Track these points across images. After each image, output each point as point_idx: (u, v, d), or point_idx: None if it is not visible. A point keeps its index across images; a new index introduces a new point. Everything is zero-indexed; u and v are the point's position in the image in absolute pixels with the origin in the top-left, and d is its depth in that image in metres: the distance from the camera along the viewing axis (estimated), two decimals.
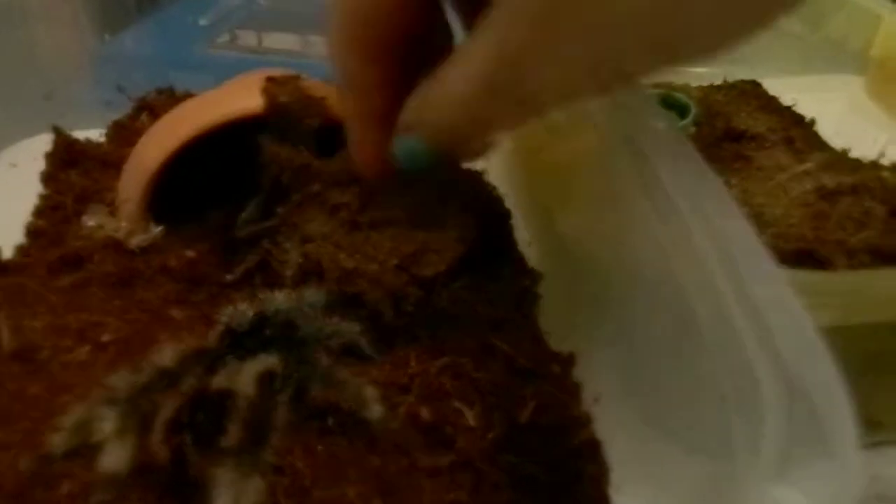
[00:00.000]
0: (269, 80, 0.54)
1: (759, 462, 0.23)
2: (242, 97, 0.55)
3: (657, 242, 0.36)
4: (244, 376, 0.38)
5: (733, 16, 0.27)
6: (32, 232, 0.57)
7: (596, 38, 0.26)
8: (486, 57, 0.28)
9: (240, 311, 0.44)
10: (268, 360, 0.40)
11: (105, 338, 0.47)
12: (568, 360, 0.46)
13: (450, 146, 0.35)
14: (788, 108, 0.74)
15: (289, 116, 0.53)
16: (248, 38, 0.94)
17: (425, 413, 0.43)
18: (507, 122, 0.32)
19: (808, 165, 0.65)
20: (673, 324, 0.34)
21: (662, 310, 0.36)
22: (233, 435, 0.35)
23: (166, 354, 0.39)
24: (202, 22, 0.90)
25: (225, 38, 0.91)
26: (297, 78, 0.54)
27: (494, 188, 0.59)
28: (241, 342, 0.41)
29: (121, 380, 0.38)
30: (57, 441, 0.38)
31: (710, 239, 0.31)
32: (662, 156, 0.39)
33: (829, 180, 0.62)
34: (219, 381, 0.38)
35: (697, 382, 0.32)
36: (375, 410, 0.41)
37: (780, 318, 0.27)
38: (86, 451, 0.38)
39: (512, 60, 0.28)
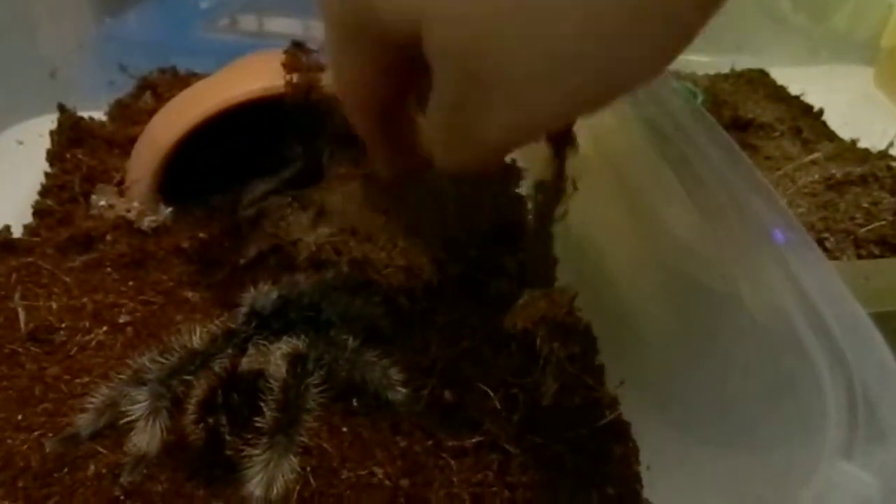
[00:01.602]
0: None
1: (822, 443, 0.23)
2: (253, 79, 0.55)
3: (690, 223, 0.36)
4: (274, 358, 0.38)
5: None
6: (40, 211, 0.57)
7: (513, 94, 0.29)
8: (438, 111, 0.32)
9: (262, 293, 0.43)
10: (295, 343, 0.40)
11: (122, 319, 0.47)
12: (590, 342, 0.46)
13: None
14: (796, 97, 0.74)
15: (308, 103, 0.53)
16: (248, 21, 0.92)
17: (448, 395, 0.43)
18: (483, 157, 0.35)
19: (816, 155, 0.66)
20: (711, 309, 0.34)
21: (696, 294, 0.36)
22: (268, 416, 0.34)
23: (195, 335, 0.38)
24: (203, 5, 0.89)
25: (225, 21, 0.90)
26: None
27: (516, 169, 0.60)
28: (267, 324, 0.41)
29: (149, 360, 0.37)
30: (83, 421, 0.38)
31: (753, 226, 0.31)
32: (691, 137, 0.39)
33: (837, 170, 0.63)
34: (248, 362, 0.38)
35: (737, 366, 0.32)
36: (400, 392, 0.41)
37: (831, 304, 0.27)
38: (112, 431, 0.38)
39: (450, 118, 0.32)
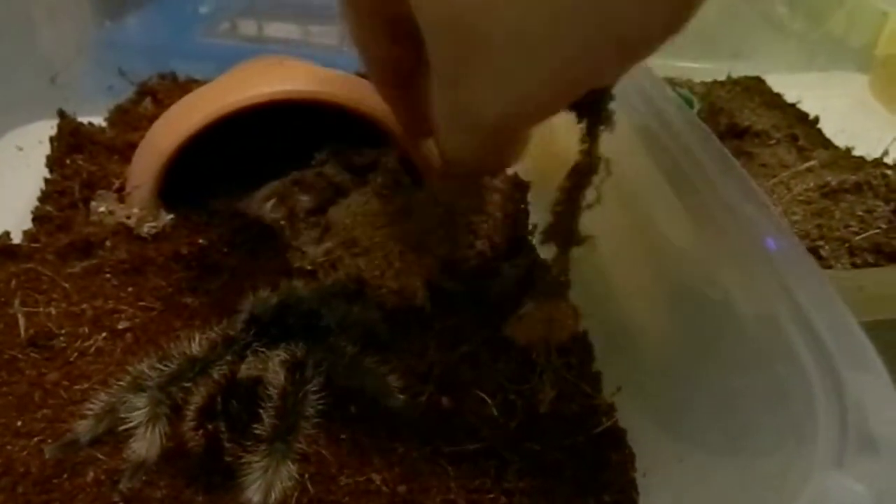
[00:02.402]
0: None
1: (813, 453, 0.23)
2: (253, 85, 0.55)
3: (683, 232, 0.37)
4: (273, 365, 0.38)
5: None
6: (40, 217, 0.57)
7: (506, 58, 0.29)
8: (437, 90, 0.33)
9: (261, 299, 0.44)
10: (293, 350, 0.40)
11: (121, 325, 0.47)
12: (587, 350, 0.46)
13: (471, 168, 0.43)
14: (792, 105, 0.75)
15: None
16: (248, 26, 0.93)
17: (446, 402, 0.43)
18: (485, 140, 0.35)
19: (812, 163, 0.66)
20: (705, 317, 0.34)
21: (691, 303, 0.37)
22: (267, 423, 0.35)
23: (195, 342, 0.38)
24: (202, 10, 0.89)
25: (225, 26, 0.90)
26: None
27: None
28: (266, 330, 0.41)
29: (148, 367, 0.37)
30: (82, 428, 0.38)
31: (746, 234, 0.32)
32: (685, 145, 0.39)
33: (832, 178, 0.63)
34: (247, 369, 0.38)
35: (730, 373, 0.32)
36: (398, 399, 0.41)
37: (823, 312, 0.27)
38: (112, 437, 0.38)
39: (448, 96, 0.33)
